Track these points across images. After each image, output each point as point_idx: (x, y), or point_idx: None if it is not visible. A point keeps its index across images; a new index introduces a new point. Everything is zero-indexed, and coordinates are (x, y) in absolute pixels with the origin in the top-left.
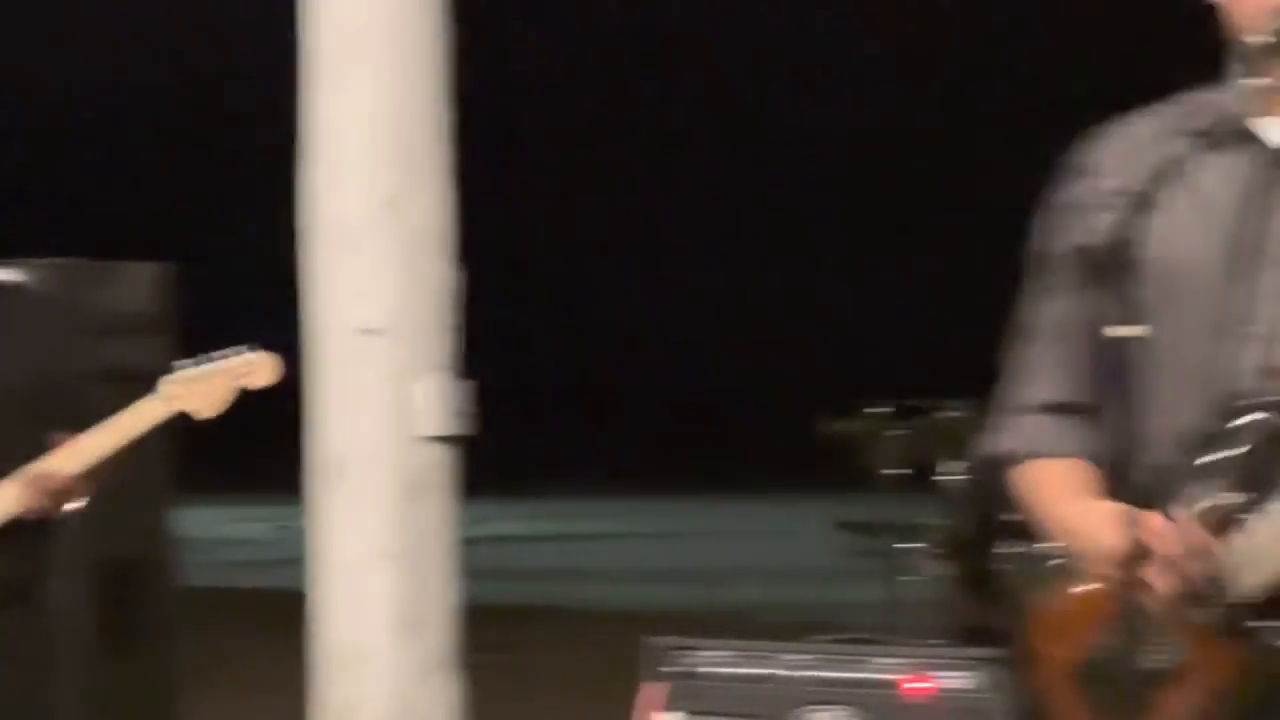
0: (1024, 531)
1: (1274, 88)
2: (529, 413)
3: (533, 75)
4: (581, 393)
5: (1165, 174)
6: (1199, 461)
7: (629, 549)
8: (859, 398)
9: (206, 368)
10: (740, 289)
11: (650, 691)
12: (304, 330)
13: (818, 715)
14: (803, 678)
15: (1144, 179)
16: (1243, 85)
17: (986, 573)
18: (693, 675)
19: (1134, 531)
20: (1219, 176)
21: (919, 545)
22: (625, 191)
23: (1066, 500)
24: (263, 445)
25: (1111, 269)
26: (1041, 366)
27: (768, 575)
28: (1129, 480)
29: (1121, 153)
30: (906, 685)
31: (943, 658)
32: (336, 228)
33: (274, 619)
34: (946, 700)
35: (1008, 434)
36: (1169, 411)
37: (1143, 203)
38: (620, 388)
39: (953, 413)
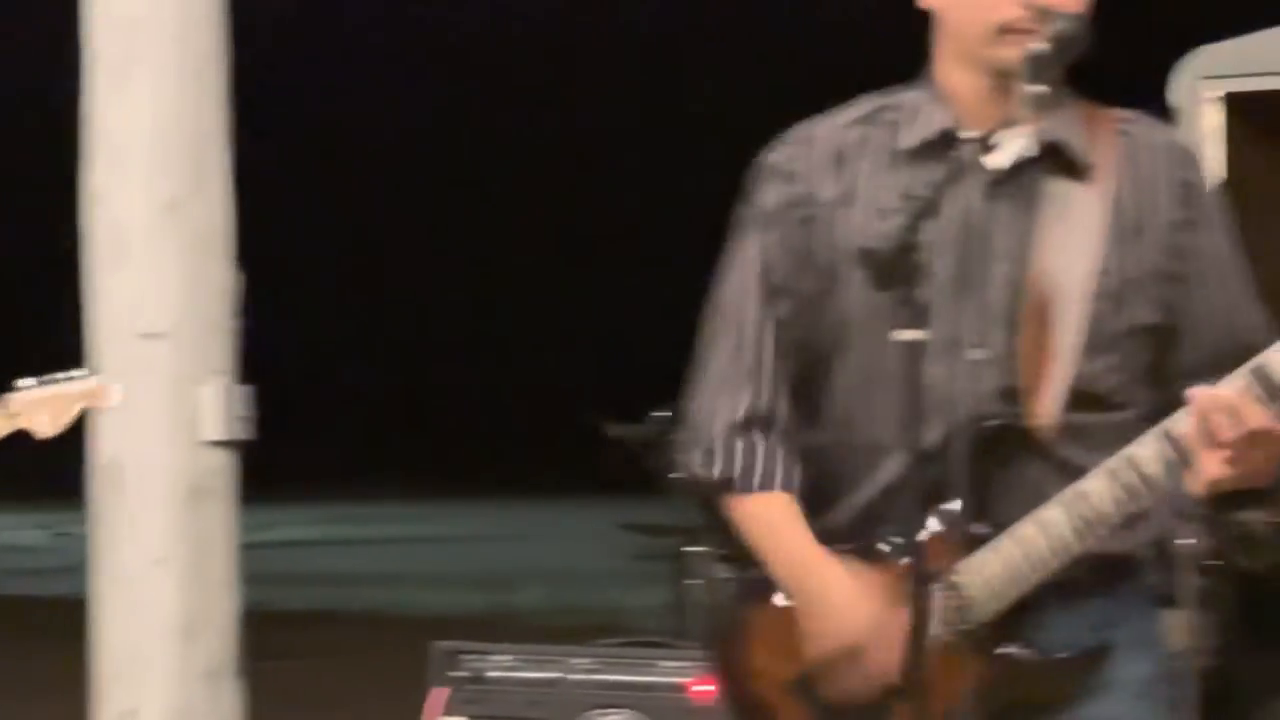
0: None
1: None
2: (316, 416)
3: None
4: (369, 396)
5: (946, 184)
6: (933, 484)
7: (416, 553)
8: (645, 401)
9: (51, 389)
10: (528, 293)
11: (437, 696)
12: (86, 334)
13: (604, 719)
14: (589, 681)
15: (928, 185)
16: (945, 97)
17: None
18: (480, 680)
19: (869, 607)
20: (935, 189)
21: (704, 549)
22: (415, 194)
23: (797, 544)
24: (41, 450)
25: (889, 277)
26: (744, 377)
27: (555, 578)
28: (854, 497)
29: (828, 159)
30: (693, 688)
31: None
32: (117, 231)
33: (53, 626)
34: None
35: (719, 459)
36: (898, 435)
37: (923, 211)
38: (409, 391)
39: None
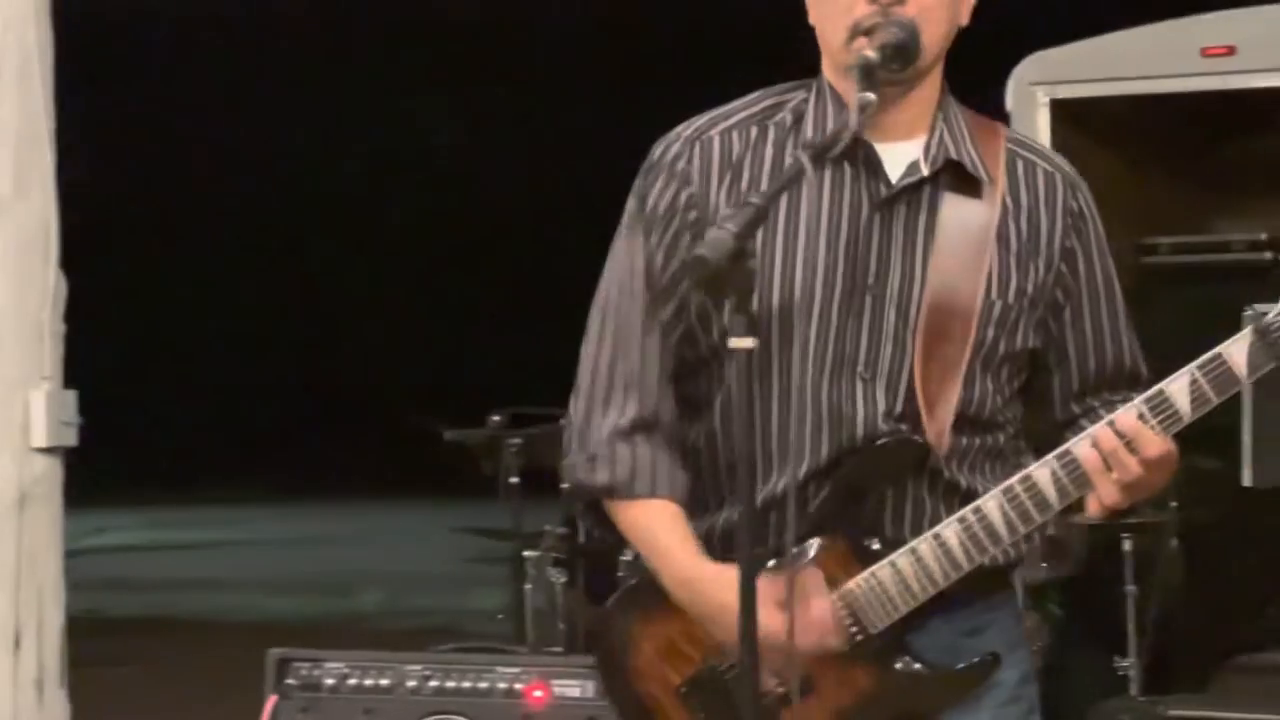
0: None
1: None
2: (147, 420)
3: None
4: (198, 399)
5: (781, 190)
6: (821, 499)
7: (251, 557)
8: (480, 405)
9: None
10: (361, 294)
11: (272, 704)
12: None
13: None
14: (424, 688)
15: (761, 193)
16: (838, 107)
17: (606, 580)
18: (313, 687)
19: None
20: (828, 201)
21: (540, 553)
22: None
23: (685, 557)
24: None
25: (721, 285)
26: (627, 381)
27: (394, 582)
28: (739, 504)
29: (718, 161)
30: (528, 694)
31: (563, 666)
32: None
33: None
34: (564, 709)
35: (603, 465)
36: (787, 448)
37: (756, 219)
38: (240, 393)
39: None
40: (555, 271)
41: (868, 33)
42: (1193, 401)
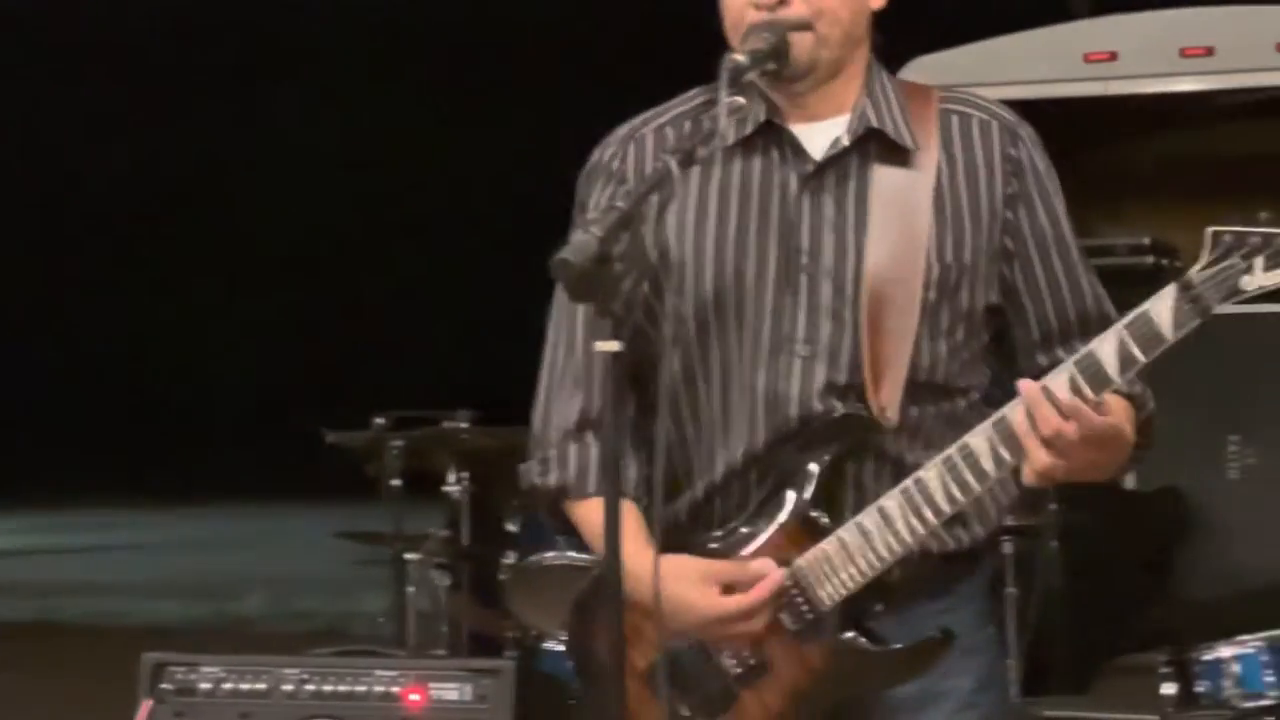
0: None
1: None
2: (19, 423)
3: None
4: (78, 402)
5: (648, 193)
6: (768, 481)
7: (133, 561)
8: (362, 407)
9: None
10: (244, 298)
11: (147, 709)
12: None
13: None
14: (303, 692)
15: (626, 196)
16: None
17: (490, 583)
18: (191, 691)
19: (715, 593)
20: (756, 185)
21: (423, 556)
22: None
23: (632, 552)
24: None
25: (586, 288)
26: (574, 381)
27: (277, 586)
28: (693, 489)
29: (652, 157)
30: (405, 697)
31: (443, 669)
32: None
33: None
34: (442, 712)
35: (554, 466)
36: (730, 431)
37: (622, 222)
38: (122, 395)
39: (455, 424)
40: (439, 276)
41: (760, 24)
42: (1121, 361)
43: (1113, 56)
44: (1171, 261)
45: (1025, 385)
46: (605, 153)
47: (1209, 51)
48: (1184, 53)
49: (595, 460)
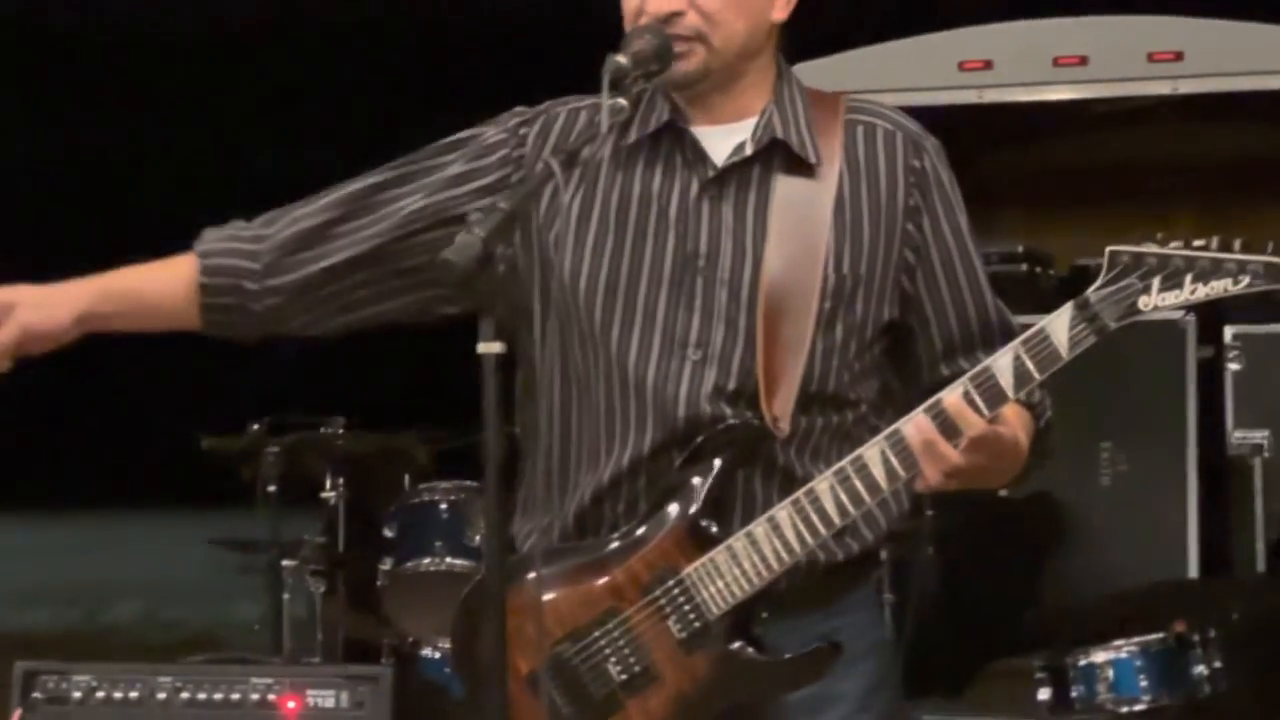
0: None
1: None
2: None
3: None
4: None
5: (530, 194)
6: (657, 487)
7: (1, 568)
8: (236, 412)
9: None
10: None
11: (18, 718)
12: None
13: None
14: (178, 700)
15: (509, 197)
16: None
17: (366, 590)
18: (63, 700)
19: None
20: (656, 187)
21: (298, 563)
22: None
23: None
24: None
25: (469, 289)
26: (340, 202)
27: (151, 593)
28: (579, 494)
29: (556, 134)
30: (281, 704)
31: (319, 676)
32: None
33: None
34: (318, 719)
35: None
36: (617, 434)
37: (505, 224)
38: None
39: (332, 429)
40: None
41: (646, 27)
42: (1016, 377)
43: (987, 65)
44: (1045, 269)
45: (916, 428)
46: (517, 112)
47: (1083, 61)
48: (1058, 61)
49: (227, 243)
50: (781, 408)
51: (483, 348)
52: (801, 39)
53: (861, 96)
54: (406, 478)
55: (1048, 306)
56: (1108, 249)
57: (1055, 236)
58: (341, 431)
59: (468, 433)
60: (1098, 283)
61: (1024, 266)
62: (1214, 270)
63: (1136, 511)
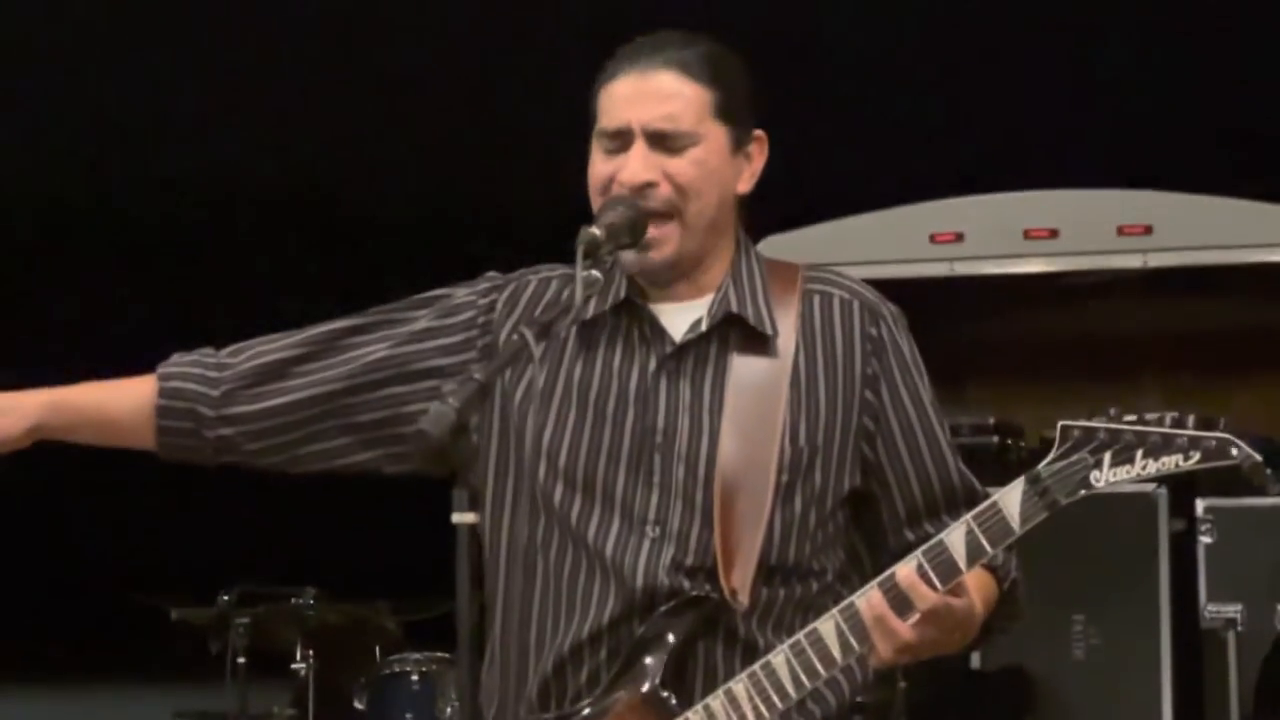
0: None
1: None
2: None
3: None
4: None
5: (504, 366)
6: (617, 659)
7: None
8: (206, 584)
9: None
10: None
11: None
12: None
13: None
14: None
15: (484, 368)
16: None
17: None
18: None
19: None
20: (616, 363)
21: None
22: None
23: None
24: None
25: (443, 460)
26: (304, 341)
27: None
28: (541, 665)
29: (525, 301)
30: None
31: None
32: None
33: None
34: None
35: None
36: (577, 605)
37: (479, 394)
38: None
39: (301, 600)
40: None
41: (616, 198)
42: (968, 551)
43: (958, 237)
44: (1016, 441)
45: (868, 603)
46: (489, 278)
47: (1053, 234)
48: (1028, 234)
49: (189, 368)
50: (740, 581)
51: (457, 518)
52: (773, 212)
53: (819, 266)
54: (377, 649)
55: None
56: (1060, 423)
57: (1026, 408)
58: (312, 602)
59: (438, 604)
60: (1050, 457)
61: (995, 438)
62: (1165, 446)
63: (1109, 685)
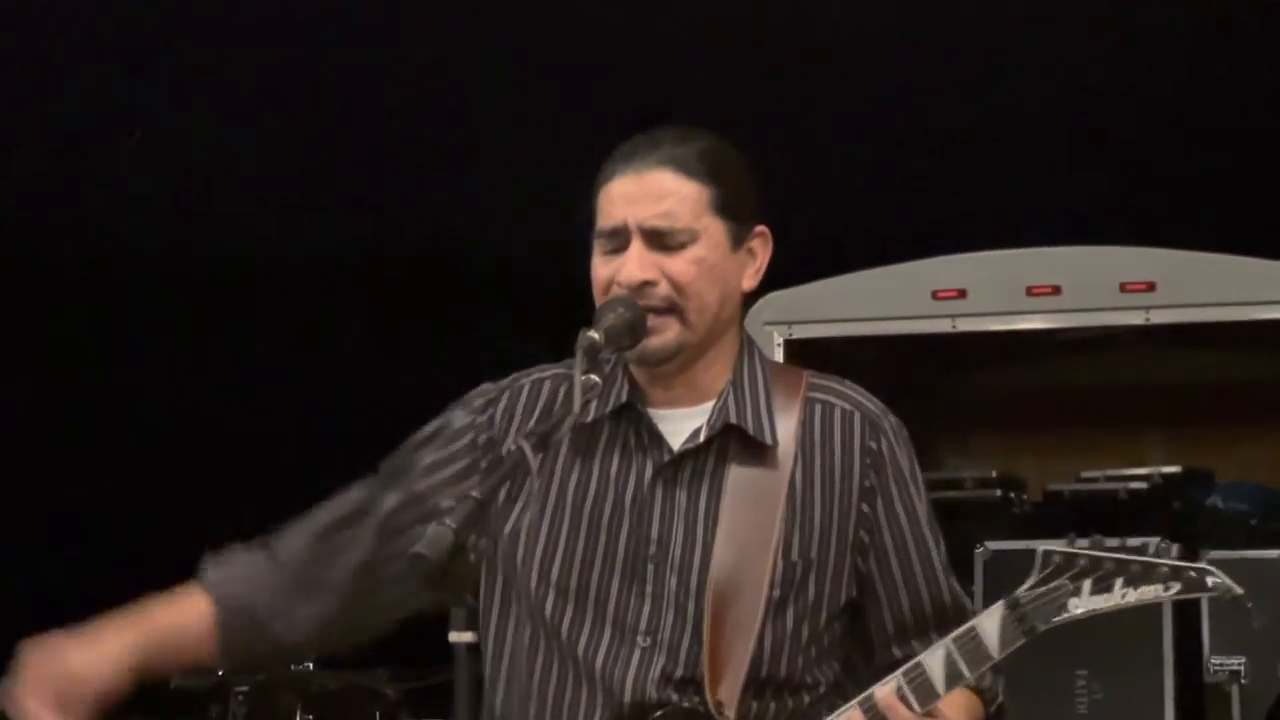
0: None
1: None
2: None
3: None
4: None
5: (502, 481)
6: None
7: None
8: None
9: None
10: (64, 523)
11: None
12: None
13: None
14: None
15: (480, 486)
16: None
17: None
18: None
19: None
20: (613, 470)
21: None
22: None
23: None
24: None
25: (442, 582)
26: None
27: None
28: None
29: (523, 406)
30: None
31: None
32: None
33: None
34: None
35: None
36: (568, 717)
37: (477, 513)
38: None
39: (300, 667)
40: (279, 506)
41: (617, 299)
42: (947, 676)
43: (961, 294)
44: (1018, 494)
45: (859, 704)
46: (482, 392)
47: (1055, 290)
48: (1031, 291)
49: (242, 569)
50: (727, 694)
51: (454, 636)
52: (775, 269)
53: (824, 375)
54: (376, 715)
55: (1021, 532)
56: (1040, 549)
57: (1029, 461)
58: (311, 668)
59: (437, 671)
60: (1029, 582)
61: (998, 492)
62: (1145, 576)
63: None
